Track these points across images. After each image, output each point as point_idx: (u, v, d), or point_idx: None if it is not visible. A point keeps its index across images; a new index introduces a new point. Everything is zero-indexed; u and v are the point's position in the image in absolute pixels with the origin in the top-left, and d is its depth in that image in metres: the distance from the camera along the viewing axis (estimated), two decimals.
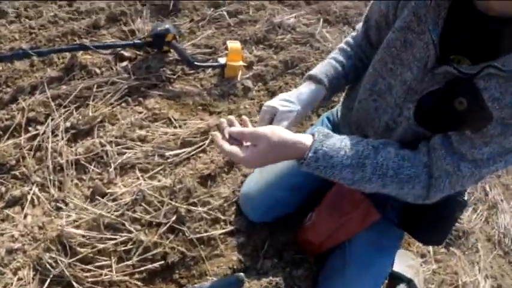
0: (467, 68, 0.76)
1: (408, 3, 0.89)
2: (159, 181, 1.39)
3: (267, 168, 1.33)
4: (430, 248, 1.63)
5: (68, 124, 1.52)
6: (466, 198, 1.10)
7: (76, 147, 1.47)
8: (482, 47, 0.77)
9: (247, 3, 2.46)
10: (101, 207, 1.31)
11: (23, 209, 1.32)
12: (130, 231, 1.26)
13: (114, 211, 1.30)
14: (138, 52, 1.85)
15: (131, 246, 1.25)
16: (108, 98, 1.61)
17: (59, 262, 1.17)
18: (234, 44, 1.87)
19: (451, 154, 0.82)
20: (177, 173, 1.42)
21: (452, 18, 0.81)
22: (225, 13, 2.26)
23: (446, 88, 0.82)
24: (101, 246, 1.23)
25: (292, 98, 1.04)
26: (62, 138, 1.47)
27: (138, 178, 1.40)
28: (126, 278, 1.22)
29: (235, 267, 1.29)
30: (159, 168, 1.44)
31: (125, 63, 1.78)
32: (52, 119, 1.53)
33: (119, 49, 1.78)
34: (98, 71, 1.72)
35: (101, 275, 1.19)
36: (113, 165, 1.41)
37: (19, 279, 1.16)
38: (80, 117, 1.53)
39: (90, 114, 1.53)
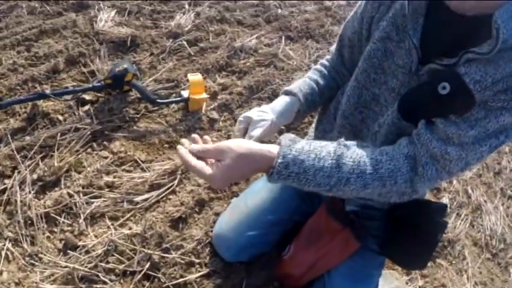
0: (448, 60, 0.79)
1: (385, 15, 0.94)
2: (130, 229, 1.40)
3: (237, 207, 1.37)
4: None
5: (35, 176, 1.52)
6: (445, 219, 1.10)
7: (45, 199, 1.47)
8: (460, 47, 0.78)
9: (207, 29, 2.50)
10: (74, 260, 1.31)
11: None
12: (105, 282, 1.27)
13: (88, 263, 1.31)
14: (99, 94, 1.86)
15: None
16: (72, 146, 1.62)
17: None
18: (195, 77, 1.89)
19: (436, 138, 0.82)
20: (148, 218, 1.44)
21: (430, 23, 0.85)
22: (184, 42, 2.30)
23: (430, 78, 0.85)
24: None
25: (266, 109, 1.08)
26: (30, 192, 1.47)
27: (108, 227, 1.41)
28: None
29: None
30: (129, 215, 1.46)
31: (86, 107, 1.79)
32: (19, 172, 1.53)
33: (80, 94, 1.80)
34: (60, 117, 1.73)
35: None
36: (82, 216, 1.42)
37: None
38: (46, 168, 1.53)
39: (56, 164, 1.54)
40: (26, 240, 1.37)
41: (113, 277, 1.30)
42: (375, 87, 0.98)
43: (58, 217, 1.43)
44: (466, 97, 0.76)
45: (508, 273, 1.89)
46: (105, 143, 1.70)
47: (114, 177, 1.56)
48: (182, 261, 1.37)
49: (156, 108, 1.90)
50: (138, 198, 1.50)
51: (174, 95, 1.98)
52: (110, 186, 1.54)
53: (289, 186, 1.29)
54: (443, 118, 0.81)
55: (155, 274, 1.33)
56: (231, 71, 2.25)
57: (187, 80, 1.94)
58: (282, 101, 1.13)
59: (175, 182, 1.58)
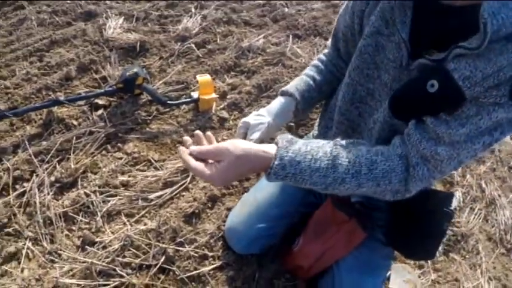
0: (437, 55, 0.80)
1: (374, 10, 0.95)
2: (145, 224, 1.50)
3: (247, 202, 1.44)
4: None
5: (53, 178, 1.63)
6: (452, 208, 1.10)
7: (63, 199, 1.58)
8: (450, 39, 0.78)
9: (214, 31, 2.61)
10: (92, 255, 1.41)
11: (19, 263, 1.41)
12: (122, 276, 1.36)
13: (105, 258, 1.40)
14: (111, 99, 1.98)
15: None
16: (88, 148, 1.74)
17: None
18: (203, 78, 1.99)
19: (426, 138, 0.83)
20: (162, 214, 1.53)
21: (419, 15, 0.85)
22: (192, 45, 2.41)
23: (418, 75, 0.85)
24: None
25: (263, 112, 1.15)
26: (48, 193, 1.58)
27: (124, 224, 1.51)
28: None
29: None
30: (144, 212, 1.56)
31: (100, 112, 1.91)
32: (37, 175, 1.64)
33: (93, 99, 1.92)
34: (75, 122, 1.85)
35: None
36: (99, 214, 1.53)
37: None
38: (63, 171, 1.64)
39: (72, 166, 1.65)
40: (45, 238, 1.47)
41: (129, 271, 1.39)
42: (369, 82, 1.01)
43: (76, 216, 1.53)
44: (456, 94, 0.77)
45: None
46: (119, 144, 1.81)
47: (129, 176, 1.67)
48: (196, 255, 1.45)
49: (167, 109, 2.01)
50: (153, 196, 1.60)
51: (184, 96, 2.09)
52: (125, 185, 1.64)
53: None
54: (433, 117, 0.82)
55: (170, 267, 1.41)
56: (239, 71, 2.35)
57: (197, 81, 2.04)
58: (277, 103, 1.19)
59: (188, 179, 1.68)
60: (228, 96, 2.14)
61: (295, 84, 1.21)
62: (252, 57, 2.46)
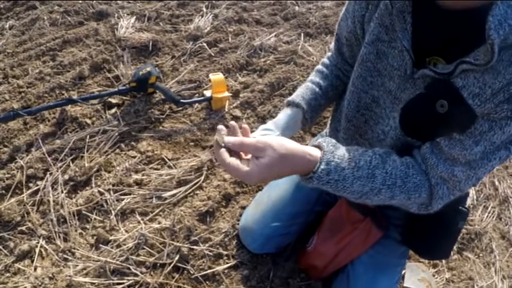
0: (442, 67, 0.77)
1: (373, 16, 0.92)
2: (159, 223, 1.50)
3: (261, 200, 1.43)
4: None
5: (66, 177, 1.63)
6: (467, 205, 1.10)
7: (76, 198, 1.58)
8: (453, 45, 0.78)
9: (225, 30, 2.61)
10: (106, 254, 1.41)
11: (32, 261, 1.42)
12: (136, 275, 1.36)
13: (119, 256, 1.40)
14: (124, 97, 1.99)
15: None
16: (101, 147, 1.74)
17: None
18: (216, 76, 1.99)
19: (442, 161, 0.83)
20: (176, 213, 1.53)
21: (419, 21, 0.83)
22: (204, 44, 2.41)
23: (427, 92, 0.83)
24: None
25: (270, 126, 1.07)
26: (62, 191, 1.59)
27: (138, 222, 1.51)
28: None
29: None
30: (158, 210, 1.56)
31: (113, 110, 1.91)
32: (50, 174, 1.65)
33: (106, 98, 1.92)
34: (88, 121, 1.86)
35: None
36: (113, 212, 1.53)
37: None
38: (77, 169, 1.65)
39: (86, 164, 1.66)
40: (59, 237, 1.48)
41: (144, 269, 1.39)
42: (373, 89, 0.98)
43: (90, 214, 1.54)
44: (466, 113, 0.75)
45: None
46: (132, 143, 1.81)
47: (143, 175, 1.67)
48: (210, 253, 1.45)
49: (180, 108, 2.01)
50: (167, 194, 1.60)
51: (197, 95, 2.09)
52: (139, 184, 1.64)
53: None
54: (446, 139, 0.81)
55: (184, 266, 1.41)
56: (251, 70, 2.34)
57: (209, 80, 2.04)
58: (284, 115, 1.12)
59: (202, 177, 1.67)
60: (241, 95, 2.13)
61: (301, 94, 1.16)
62: (263, 55, 2.45)
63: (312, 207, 1.36)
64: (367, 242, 1.21)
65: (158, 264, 1.41)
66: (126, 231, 1.49)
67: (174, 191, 1.61)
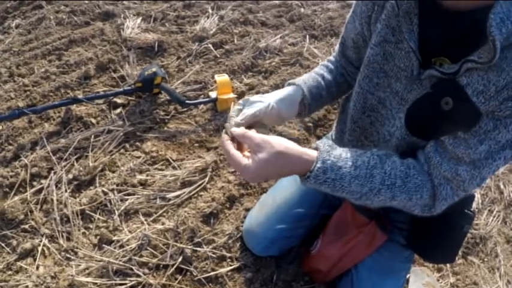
0: (448, 67, 0.78)
1: (379, 17, 0.93)
2: (162, 224, 1.49)
3: (265, 202, 1.43)
4: None
5: (70, 176, 1.63)
6: (472, 209, 1.09)
7: (80, 197, 1.58)
8: (458, 45, 0.78)
9: (231, 32, 2.61)
10: (109, 254, 1.41)
11: (35, 260, 1.42)
12: (139, 276, 1.35)
13: (122, 257, 1.40)
14: (130, 98, 1.98)
15: None
16: (106, 147, 1.74)
17: None
18: (222, 78, 1.99)
19: (446, 160, 0.83)
20: (180, 214, 1.52)
21: (424, 22, 0.83)
22: (210, 45, 2.41)
23: (432, 91, 0.83)
24: None
25: (266, 95, 1.02)
26: (66, 190, 1.59)
27: (142, 223, 1.51)
28: None
29: None
30: (161, 211, 1.55)
31: (118, 110, 1.91)
32: (55, 173, 1.65)
33: (111, 98, 1.92)
34: (93, 121, 1.85)
35: None
36: (117, 212, 1.52)
37: None
38: (81, 168, 1.65)
39: (91, 164, 1.66)
40: (62, 236, 1.48)
41: (146, 270, 1.38)
42: (379, 91, 0.98)
43: (93, 214, 1.54)
44: (471, 110, 0.76)
45: None
46: (137, 143, 1.81)
47: (147, 175, 1.66)
48: (214, 255, 1.44)
49: (185, 109, 2.00)
50: (171, 195, 1.59)
51: (202, 96, 2.09)
52: (143, 184, 1.64)
53: None
54: (451, 137, 0.82)
55: (187, 267, 1.40)
56: (257, 71, 2.34)
57: (215, 81, 2.03)
58: (283, 89, 1.08)
59: (206, 179, 1.66)
60: (246, 97, 2.12)
61: (303, 79, 1.13)
62: (269, 57, 2.45)
63: (317, 210, 1.35)
64: (372, 245, 1.20)
65: (161, 266, 1.40)
66: (130, 231, 1.48)
67: (178, 192, 1.61)
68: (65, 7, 2.76)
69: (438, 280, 1.58)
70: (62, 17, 2.63)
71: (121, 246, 1.44)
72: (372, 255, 1.21)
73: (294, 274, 1.44)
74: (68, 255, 1.42)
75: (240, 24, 2.74)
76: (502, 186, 2.07)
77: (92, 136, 1.78)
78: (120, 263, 1.38)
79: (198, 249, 1.44)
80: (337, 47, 1.21)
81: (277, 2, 3.16)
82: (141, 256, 1.41)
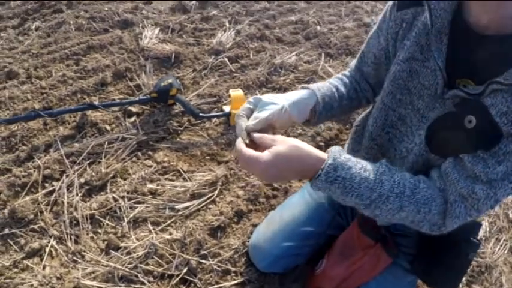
0: (473, 89, 0.80)
1: (409, 34, 0.96)
2: (170, 234, 1.54)
3: (273, 219, 1.46)
4: None
5: (82, 180, 1.70)
6: (479, 237, 1.10)
7: (90, 202, 1.64)
8: (484, 67, 0.80)
9: (247, 47, 2.69)
10: (115, 260, 1.45)
11: (41, 260, 1.46)
12: (143, 283, 1.39)
13: (128, 264, 1.44)
14: (144, 107, 2.06)
15: None
16: (119, 154, 1.81)
17: None
18: (236, 93, 2.06)
19: (464, 177, 0.84)
20: (188, 225, 1.57)
21: (453, 43, 0.87)
22: (226, 59, 2.49)
23: (455, 110, 0.86)
24: None
25: (279, 96, 1.01)
26: (77, 194, 1.64)
27: (150, 231, 1.56)
28: None
29: None
30: (170, 221, 1.60)
31: (133, 119, 1.99)
32: (67, 176, 1.71)
33: (126, 106, 1.99)
34: (108, 127, 1.93)
35: None
36: (126, 219, 1.58)
37: None
38: (93, 173, 1.71)
39: (103, 170, 1.72)
40: (70, 238, 1.53)
41: (151, 279, 1.43)
42: (401, 107, 1.01)
43: (102, 219, 1.59)
44: (493, 130, 0.78)
45: None
46: (149, 152, 1.87)
47: (158, 185, 1.72)
48: (219, 269, 1.48)
49: (198, 121, 2.08)
50: (180, 206, 1.65)
51: (216, 109, 2.16)
52: (153, 193, 1.70)
53: (325, 200, 1.39)
54: (470, 155, 0.83)
55: (192, 279, 1.44)
56: (271, 87, 2.41)
57: (229, 96, 2.10)
58: (296, 92, 1.07)
59: (216, 192, 1.72)
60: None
61: (318, 85, 1.12)
62: (283, 74, 2.52)
63: (324, 230, 1.38)
64: (377, 268, 1.22)
65: (166, 275, 1.44)
66: (137, 239, 1.53)
67: (187, 204, 1.66)
68: (84, 13, 2.87)
69: None
70: (81, 23, 2.73)
71: (128, 253, 1.48)
72: (376, 279, 1.23)
73: None
74: (75, 258, 1.47)
75: (256, 40, 2.82)
76: (511, 215, 2.08)
77: (106, 142, 1.84)
78: (126, 269, 1.42)
79: (204, 261, 1.48)
80: (353, 62, 1.24)
81: (293, 18, 3.24)
82: (147, 264, 1.45)
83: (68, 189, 1.67)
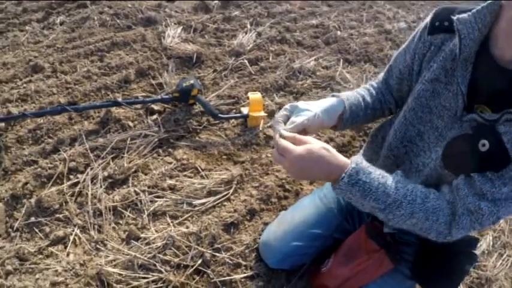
0: (490, 115, 0.92)
1: (436, 57, 1.09)
2: (187, 227, 1.70)
3: (284, 219, 1.60)
4: None
5: (106, 173, 1.86)
6: (477, 251, 1.24)
7: (113, 194, 1.80)
8: (502, 97, 0.91)
9: (267, 49, 2.84)
10: (135, 249, 1.60)
11: (65, 247, 1.59)
12: (161, 272, 1.54)
13: (147, 253, 1.59)
14: (166, 105, 2.23)
15: (161, 285, 1.51)
16: (141, 150, 1.98)
17: None
18: (255, 96, 2.20)
19: (472, 194, 0.95)
20: (204, 220, 1.73)
21: (476, 72, 0.98)
22: (246, 61, 2.65)
23: (472, 133, 0.97)
24: (135, 284, 1.49)
25: (311, 103, 1.17)
26: (101, 186, 1.81)
27: (168, 224, 1.72)
28: None
29: None
30: (187, 216, 1.76)
31: (155, 117, 2.16)
32: (91, 169, 1.88)
33: (149, 104, 2.17)
34: (131, 124, 2.10)
35: None
36: (146, 212, 1.74)
37: None
38: (116, 168, 1.88)
39: (125, 165, 1.89)
40: (93, 228, 1.68)
41: (168, 268, 1.57)
42: (420, 124, 1.14)
43: (124, 211, 1.75)
44: (503, 155, 0.89)
45: None
46: (170, 150, 2.04)
47: (177, 181, 1.89)
48: (230, 262, 1.63)
49: (217, 122, 2.24)
50: (197, 202, 1.81)
51: (234, 111, 2.32)
52: (172, 189, 1.86)
53: (334, 205, 1.54)
54: (480, 175, 0.94)
55: (205, 270, 1.59)
56: (288, 91, 2.56)
57: (248, 98, 2.25)
58: (328, 100, 1.22)
59: (231, 191, 1.88)
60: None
61: (347, 94, 1.27)
62: (302, 78, 2.66)
63: (332, 233, 1.52)
64: (379, 271, 1.33)
65: (182, 265, 1.59)
66: (156, 231, 1.69)
67: (204, 200, 1.82)
68: (108, 8, 3.04)
69: None
70: (105, 19, 2.90)
71: (147, 244, 1.63)
72: (377, 282, 1.34)
73: None
74: (98, 246, 1.61)
75: (276, 42, 2.97)
76: None
77: (129, 138, 2.02)
78: (145, 258, 1.56)
79: (217, 254, 1.63)
80: (381, 75, 1.39)
81: (314, 22, 3.37)
82: (165, 254, 1.60)
83: (92, 182, 1.83)
